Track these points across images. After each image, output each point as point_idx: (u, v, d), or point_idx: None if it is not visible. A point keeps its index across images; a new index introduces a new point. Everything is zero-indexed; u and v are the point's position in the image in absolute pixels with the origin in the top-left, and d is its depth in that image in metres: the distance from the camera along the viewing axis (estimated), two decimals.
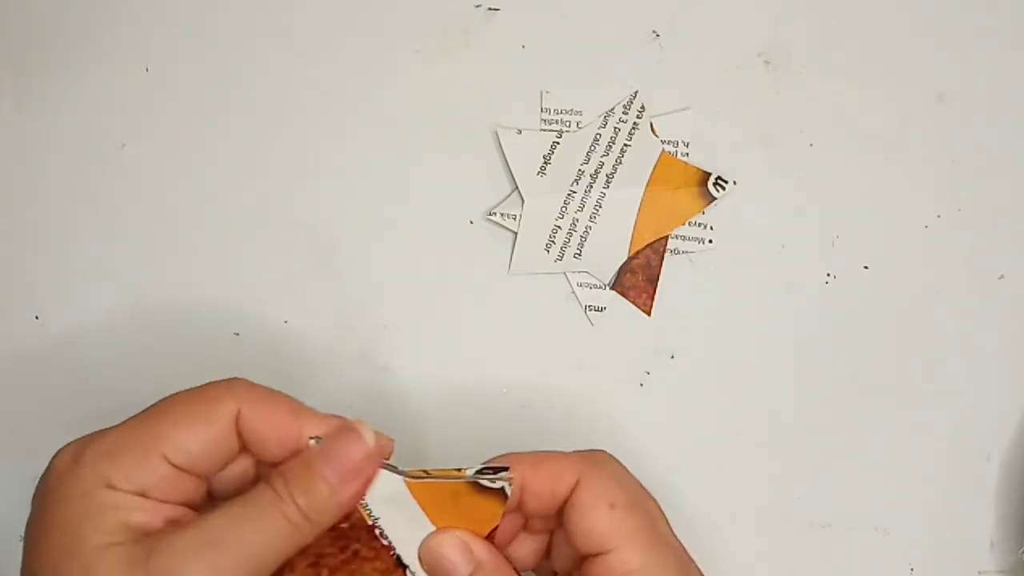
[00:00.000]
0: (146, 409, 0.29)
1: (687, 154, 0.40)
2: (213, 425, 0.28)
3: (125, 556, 0.26)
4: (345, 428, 0.30)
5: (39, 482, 0.29)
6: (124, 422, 0.29)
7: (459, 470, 0.31)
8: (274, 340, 0.39)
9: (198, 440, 0.28)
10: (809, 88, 0.40)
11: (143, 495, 0.27)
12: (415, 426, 0.39)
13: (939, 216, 0.40)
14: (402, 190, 0.40)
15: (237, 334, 0.39)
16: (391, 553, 0.30)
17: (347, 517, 0.30)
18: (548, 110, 0.40)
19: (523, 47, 0.41)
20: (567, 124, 0.40)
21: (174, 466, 0.28)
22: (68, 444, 0.28)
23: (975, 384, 0.40)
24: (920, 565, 0.39)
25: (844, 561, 0.39)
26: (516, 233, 0.39)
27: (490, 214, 0.39)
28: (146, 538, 0.27)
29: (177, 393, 0.29)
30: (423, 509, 0.31)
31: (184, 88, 0.40)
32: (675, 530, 0.39)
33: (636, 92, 0.40)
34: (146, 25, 0.41)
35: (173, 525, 0.27)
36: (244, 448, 0.29)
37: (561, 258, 0.39)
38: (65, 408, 0.39)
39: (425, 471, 0.31)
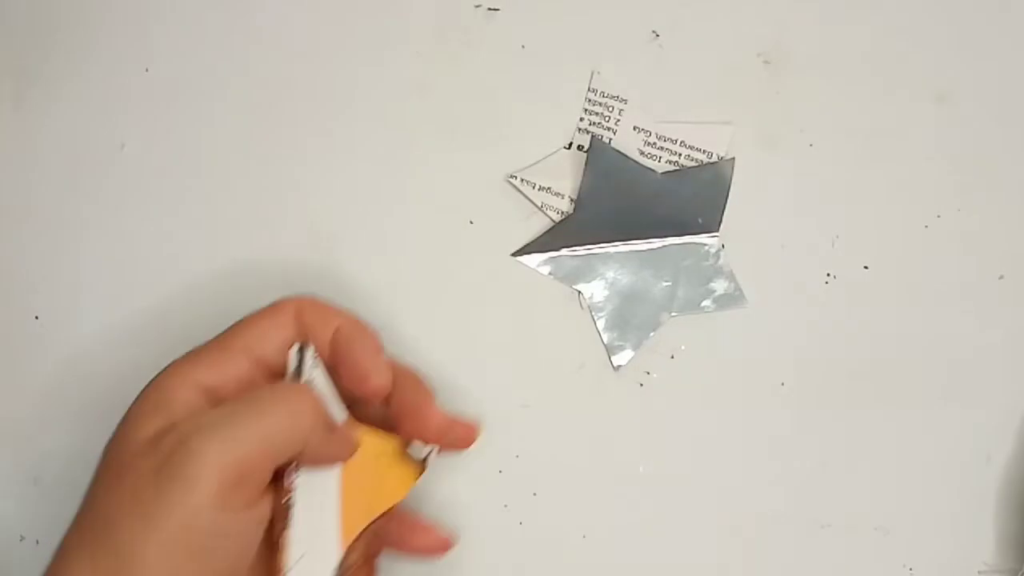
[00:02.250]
0: None
1: (689, 155, 0.40)
2: (278, 314, 0.33)
3: (159, 430, 0.30)
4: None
5: None
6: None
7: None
8: None
9: (265, 326, 0.33)
10: (809, 88, 0.40)
11: (214, 389, 0.31)
12: None
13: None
14: (402, 190, 0.40)
15: None
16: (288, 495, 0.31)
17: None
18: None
19: (523, 47, 0.41)
20: (610, 108, 0.40)
21: (245, 357, 0.32)
22: None
23: (975, 384, 0.40)
24: (920, 565, 0.39)
25: (844, 561, 0.39)
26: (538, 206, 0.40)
27: (512, 175, 0.39)
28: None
29: None
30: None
31: (184, 88, 0.40)
32: (675, 530, 0.39)
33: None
34: (146, 25, 0.41)
35: None
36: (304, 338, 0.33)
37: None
38: (65, 408, 0.39)
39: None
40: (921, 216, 0.40)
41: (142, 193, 0.40)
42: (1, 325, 0.40)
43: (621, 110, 0.40)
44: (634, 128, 0.40)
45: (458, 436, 0.35)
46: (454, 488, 0.38)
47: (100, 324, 0.39)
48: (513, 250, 0.40)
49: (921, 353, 0.40)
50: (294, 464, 0.31)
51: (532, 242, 0.40)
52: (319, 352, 0.33)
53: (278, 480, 0.31)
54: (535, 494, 0.39)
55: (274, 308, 0.34)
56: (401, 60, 0.40)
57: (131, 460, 0.29)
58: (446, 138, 0.40)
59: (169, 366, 0.32)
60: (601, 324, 0.39)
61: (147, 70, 0.41)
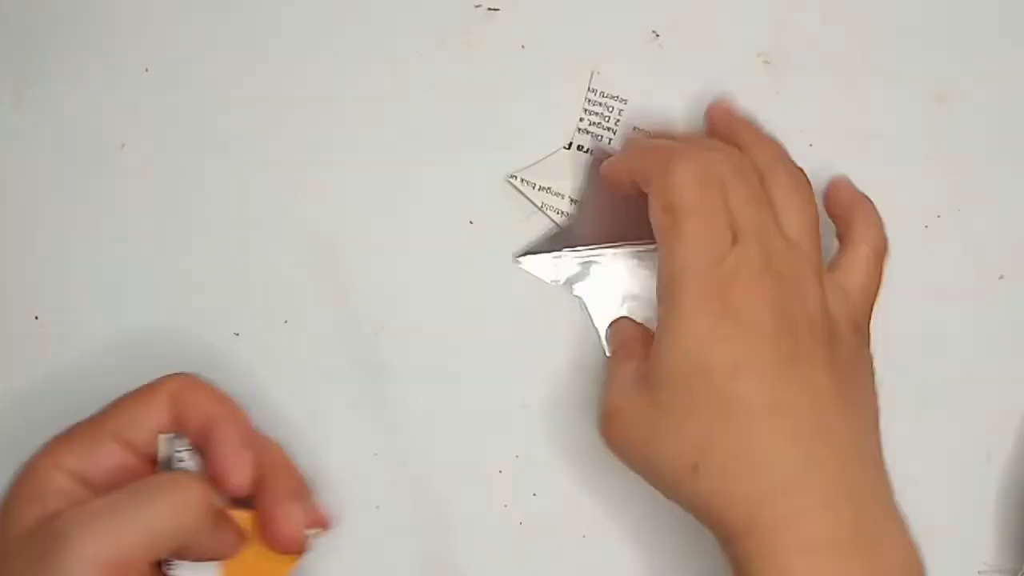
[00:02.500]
0: None
1: None
2: (151, 397, 0.32)
3: (35, 522, 0.29)
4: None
5: None
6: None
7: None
8: (274, 340, 0.39)
9: (137, 410, 0.32)
10: (809, 88, 0.40)
11: (87, 476, 0.30)
12: (414, 426, 0.39)
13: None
14: (402, 190, 0.40)
15: (237, 334, 0.39)
16: None
17: None
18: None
19: (523, 47, 0.41)
20: (610, 108, 0.40)
21: (117, 442, 0.31)
22: None
23: (975, 384, 0.40)
24: None
25: None
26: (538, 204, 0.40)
27: (511, 176, 0.39)
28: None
29: None
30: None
31: (184, 88, 0.40)
32: (675, 530, 0.39)
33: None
34: (146, 25, 0.41)
35: None
36: (177, 425, 0.32)
37: None
38: (65, 408, 0.39)
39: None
40: (921, 216, 0.40)
41: (142, 193, 0.40)
42: (1, 325, 0.40)
43: (621, 110, 0.40)
44: (634, 128, 0.40)
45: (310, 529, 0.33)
46: (455, 488, 0.38)
47: (100, 324, 0.39)
48: (513, 250, 0.40)
49: (921, 353, 0.40)
50: (173, 557, 0.30)
51: (533, 243, 0.40)
52: (192, 438, 0.32)
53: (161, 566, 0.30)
54: (535, 494, 0.39)
55: (146, 391, 0.32)
56: (401, 60, 0.40)
57: (7, 554, 0.29)
58: (446, 138, 0.40)
59: (40, 452, 0.31)
60: (601, 324, 0.39)
61: (147, 70, 0.41)
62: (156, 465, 0.32)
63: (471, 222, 0.40)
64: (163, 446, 0.32)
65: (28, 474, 0.31)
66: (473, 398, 0.39)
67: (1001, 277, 0.40)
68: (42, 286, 0.40)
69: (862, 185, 0.40)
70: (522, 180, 0.40)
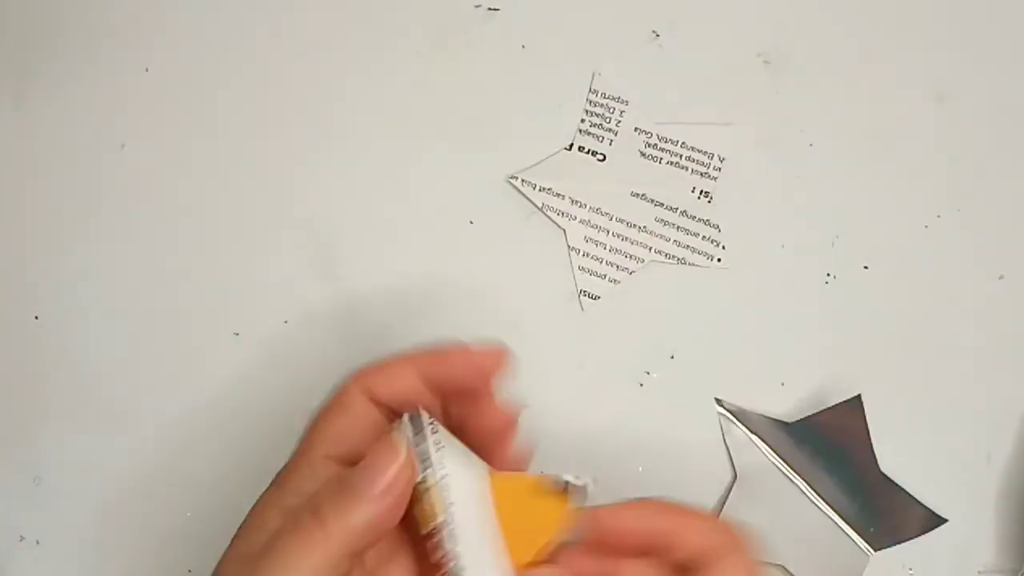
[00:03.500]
0: None
1: (690, 156, 0.40)
2: (349, 409, 0.31)
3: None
4: (382, 444, 0.30)
5: None
6: None
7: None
8: (274, 340, 0.39)
9: (340, 425, 0.31)
10: (809, 88, 0.40)
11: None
12: None
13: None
14: (402, 190, 0.40)
15: (237, 334, 0.39)
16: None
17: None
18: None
19: (523, 47, 0.41)
20: (611, 110, 0.40)
21: (336, 461, 0.31)
22: None
23: (975, 384, 0.40)
24: (919, 565, 0.39)
25: None
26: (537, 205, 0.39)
27: (512, 177, 0.39)
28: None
29: None
30: (497, 506, 0.31)
31: (184, 88, 0.40)
32: None
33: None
34: (146, 25, 0.41)
35: None
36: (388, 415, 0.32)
37: None
38: (65, 408, 0.39)
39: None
40: (921, 216, 0.40)
41: (142, 193, 0.40)
42: (1, 325, 0.40)
43: (623, 111, 0.40)
44: (635, 130, 0.40)
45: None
46: None
47: (100, 324, 0.39)
48: (513, 250, 0.40)
49: (921, 353, 0.40)
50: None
51: None
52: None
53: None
54: None
55: (340, 398, 0.32)
56: (401, 60, 0.40)
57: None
58: (446, 138, 0.40)
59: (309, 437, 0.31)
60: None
61: (147, 70, 0.41)
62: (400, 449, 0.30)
63: (471, 222, 0.40)
64: (407, 425, 0.31)
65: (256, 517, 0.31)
66: None
67: (1001, 277, 0.40)
68: (42, 286, 0.40)
69: (862, 185, 0.40)
70: (522, 180, 0.40)
